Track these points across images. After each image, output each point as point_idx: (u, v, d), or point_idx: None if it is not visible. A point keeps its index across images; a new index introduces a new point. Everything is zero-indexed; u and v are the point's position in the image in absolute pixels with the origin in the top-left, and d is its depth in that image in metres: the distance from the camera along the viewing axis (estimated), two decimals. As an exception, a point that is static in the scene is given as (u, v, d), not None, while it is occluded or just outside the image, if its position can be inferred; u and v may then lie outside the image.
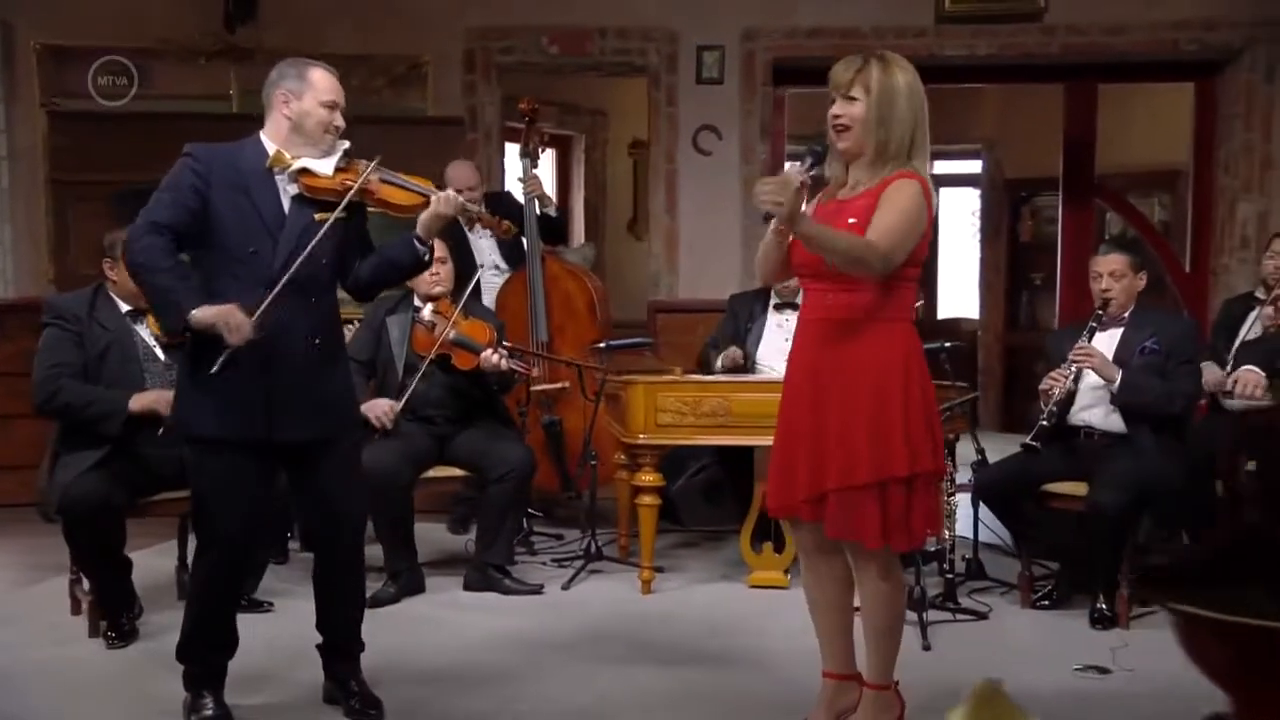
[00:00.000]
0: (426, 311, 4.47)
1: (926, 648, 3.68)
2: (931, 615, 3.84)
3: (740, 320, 5.00)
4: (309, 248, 2.92)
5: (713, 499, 5.38)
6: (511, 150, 6.81)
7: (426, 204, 3.06)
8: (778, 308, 4.93)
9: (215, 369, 2.82)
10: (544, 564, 4.80)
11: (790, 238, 2.77)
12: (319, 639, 3.24)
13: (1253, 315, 4.63)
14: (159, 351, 3.94)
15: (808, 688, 3.09)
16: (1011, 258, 9.02)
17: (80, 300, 3.94)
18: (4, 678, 3.47)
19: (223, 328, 2.81)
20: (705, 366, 4.93)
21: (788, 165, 2.78)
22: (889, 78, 2.70)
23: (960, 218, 9.89)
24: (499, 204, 5.24)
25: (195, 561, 3.12)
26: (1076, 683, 3.43)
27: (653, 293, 6.39)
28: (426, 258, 3.12)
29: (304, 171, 2.98)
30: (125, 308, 3.94)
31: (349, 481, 3.12)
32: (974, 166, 9.21)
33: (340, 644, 3.21)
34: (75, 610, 4.03)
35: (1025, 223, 9.04)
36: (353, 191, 2.98)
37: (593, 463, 4.69)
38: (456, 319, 4.41)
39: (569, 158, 8.35)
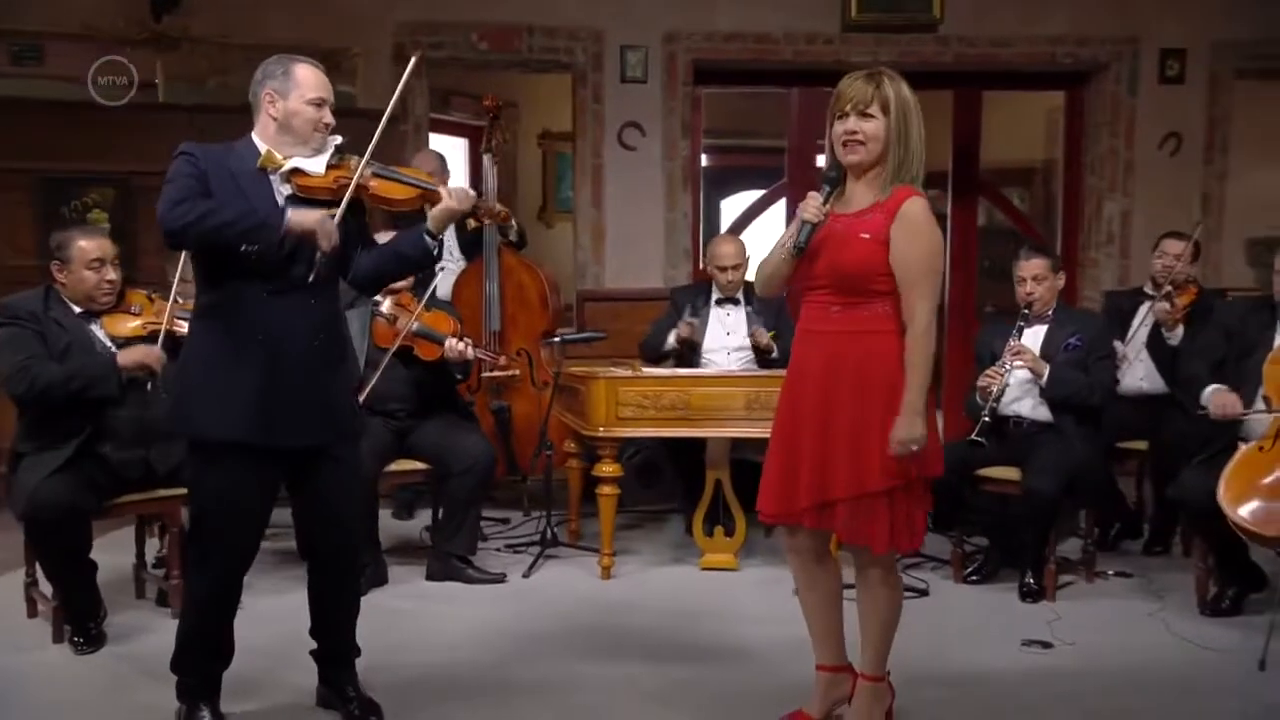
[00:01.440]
0: (386, 305, 4.20)
1: (885, 629, 3.62)
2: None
3: (683, 313, 4.85)
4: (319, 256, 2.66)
5: (647, 482, 5.25)
6: (436, 141, 6.51)
7: (424, 197, 2.80)
8: (719, 302, 4.81)
9: (313, 275, 2.65)
10: (497, 550, 4.59)
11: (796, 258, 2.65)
12: (304, 641, 2.99)
13: (1143, 310, 4.71)
14: (115, 351, 3.60)
15: (795, 677, 3.00)
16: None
17: (34, 299, 3.57)
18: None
19: (320, 230, 2.61)
20: (648, 354, 4.79)
21: (810, 195, 2.65)
22: (902, 96, 2.59)
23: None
24: None
25: (193, 573, 2.84)
26: (1024, 657, 3.43)
27: (580, 282, 6.21)
28: (436, 252, 2.85)
29: (296, 172, 2.72)
30: (77, 309, 3.59)
31: (350, 488, 2.87)
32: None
33: (338, 651, 2.97)
34: (31, 613, 3.69)
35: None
36: (350, 191, 2.73)
37: (548, 452, 4.49)
38: (419, 312, 4.15)
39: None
